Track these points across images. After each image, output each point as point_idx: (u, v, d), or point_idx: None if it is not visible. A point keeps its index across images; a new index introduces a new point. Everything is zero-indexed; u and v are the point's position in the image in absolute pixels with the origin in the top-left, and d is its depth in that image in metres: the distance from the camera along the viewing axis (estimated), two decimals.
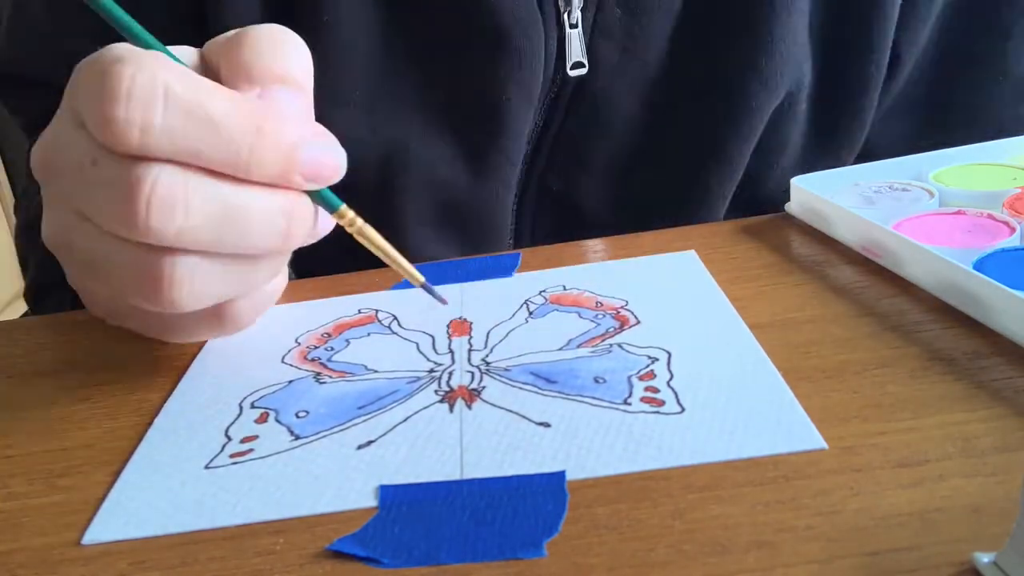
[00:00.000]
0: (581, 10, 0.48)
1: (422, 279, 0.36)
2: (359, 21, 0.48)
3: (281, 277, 0.38)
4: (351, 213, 0.34)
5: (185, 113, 0.29)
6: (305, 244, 0.34)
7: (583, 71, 0.49)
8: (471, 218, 0.52)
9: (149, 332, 0.38)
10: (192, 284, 0.31)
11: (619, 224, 0.49)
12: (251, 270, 0.33)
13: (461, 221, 0.52)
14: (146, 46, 0.31)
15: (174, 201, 0.29)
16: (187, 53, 0.34)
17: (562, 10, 0.48)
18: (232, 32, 0.34)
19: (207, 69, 0.34)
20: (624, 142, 0.51)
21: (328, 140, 0.33)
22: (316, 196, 0.33)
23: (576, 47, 0.49)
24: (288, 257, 0.36)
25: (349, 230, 0.34)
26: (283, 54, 0.33)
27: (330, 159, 0.32)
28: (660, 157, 0.52)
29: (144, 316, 0.36)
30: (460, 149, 0.50)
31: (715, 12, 0.49)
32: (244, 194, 0.31)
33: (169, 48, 0.33)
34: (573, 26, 0.48)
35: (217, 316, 0.35)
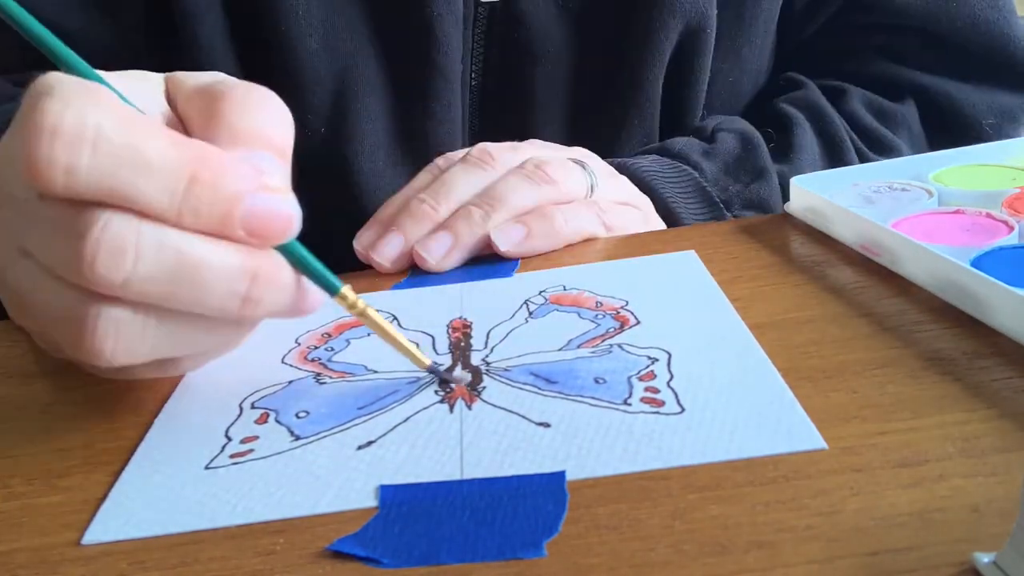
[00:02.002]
0: None
1: (428, 362, 0.33)
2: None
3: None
4: (353, 295, 0.32)
5: (114, 155, 0.27)
6: (280, 317, 0.31)
7: None
8: (420, 144, 0.55)
9: (83, 366, 0.34)
10: (119, 338, 0.28)
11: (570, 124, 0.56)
12: (202, 334, 0.30)
13: (410, 147, 0.55)
14: (81, 75, 0.29)
15: (124, 247, 0.27)
16: (153, 83, 0.33)
17: None
18: (205, 82, 0.32)
19: (171, 105, 0.33)
20: (553, 66, 0.56)
21: (278, 195, 0.29)
22: (312, 272, 0.31)
23: None
24: (253, 327, 0.33)
25: (351, 312, 0.32)
26: (267, 117, 0.31)
27: (278, 215, 0.29)
28: (584, 80, 0.57)
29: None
30: (400, 71, 0.54)
31: None
32: (201, 247, 0.28)
33: (136, 73, 0.32)
34: None
35: (157, 367, 0.32)
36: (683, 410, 0.29)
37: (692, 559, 0.23)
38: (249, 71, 0.52)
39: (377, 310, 0.40)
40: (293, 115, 0.32)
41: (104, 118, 0.27)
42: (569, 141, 0.52)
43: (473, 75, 0.56)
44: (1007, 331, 0.31)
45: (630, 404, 0.30)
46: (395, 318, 0.39)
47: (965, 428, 0.27)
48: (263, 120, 0.31)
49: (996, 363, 0.30)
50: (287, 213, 0.29)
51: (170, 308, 0.29)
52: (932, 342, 0.32)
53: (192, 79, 0.33)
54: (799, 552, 0.23)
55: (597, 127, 0.57)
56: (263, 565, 0.25)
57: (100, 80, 0.29)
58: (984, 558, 0.21)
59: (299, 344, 0.38)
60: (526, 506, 0.26)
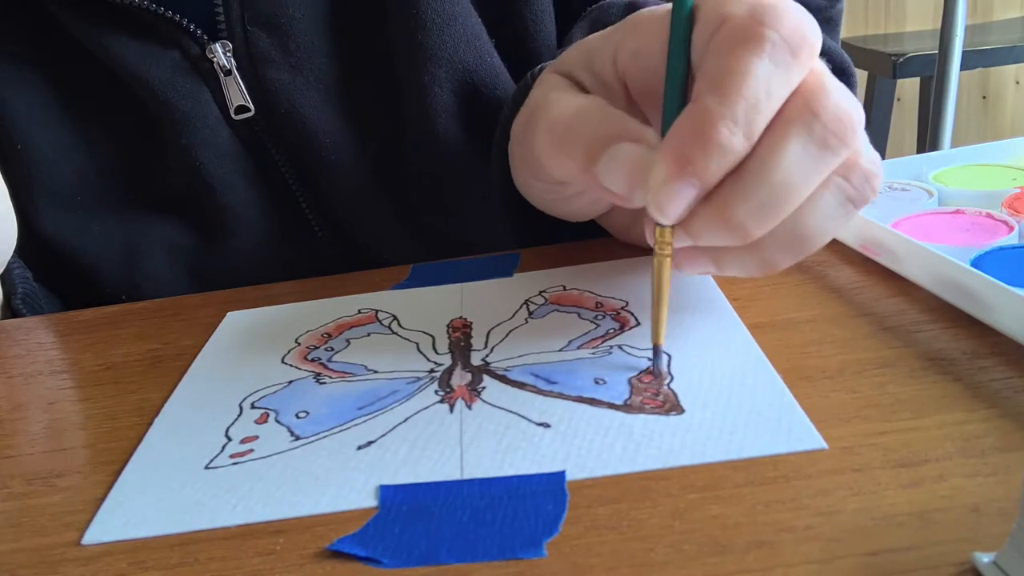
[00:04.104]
0: (233, 53, 0.49)
1: (662, 341, 0.32)
2: (53, 141, 0.51)
3: None
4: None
5: None
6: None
7: (249, 114, 0.50)
8: (225, 271, 0.53)
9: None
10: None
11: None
12: None
13: (213, 279, 0.53)
14: None
15: None
16: None
17: (215, 63, 0.49)
18: None
19: None
20: (336, 154, 0.51)
21: None
22: None
23: (235, 93, 0.50)
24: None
25: (657, 245, 0.31)
26: None
27: None
28: (362, 151, 0.52)
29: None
30: (186, 215, 0.53)
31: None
32: None
33: None
34: (228, 73, 0.49)
35: None
36: (683, 410, 0.29)
37: (692, 559, 0.23)
38: None
39: (379, 310, 0.40)
40: None
41: None
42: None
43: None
44: (1007, 331, 0.31)
45: (630, 404, 0.30)
46: (395, 318, 0.39)
47: (965, 428, 0.27)
48: None
49: (996, 363, 0.30)
50: None
51: None
52: (932, 342, 0.32)
53: None
54: (799, 552, 0.23)
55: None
56: (263, 565, 0.25)
57: None
58: (984, 558, 0.21)
59: (299, 344, 0.38)
60: (526, 506, 0.26)
